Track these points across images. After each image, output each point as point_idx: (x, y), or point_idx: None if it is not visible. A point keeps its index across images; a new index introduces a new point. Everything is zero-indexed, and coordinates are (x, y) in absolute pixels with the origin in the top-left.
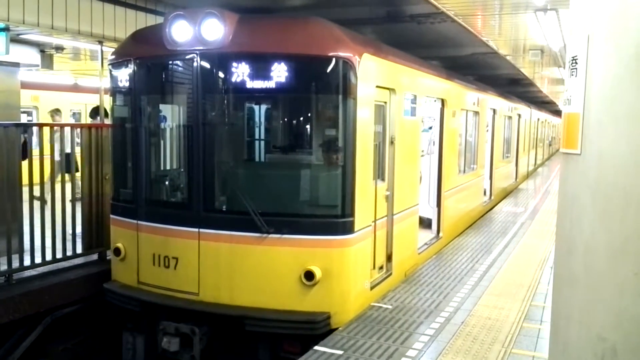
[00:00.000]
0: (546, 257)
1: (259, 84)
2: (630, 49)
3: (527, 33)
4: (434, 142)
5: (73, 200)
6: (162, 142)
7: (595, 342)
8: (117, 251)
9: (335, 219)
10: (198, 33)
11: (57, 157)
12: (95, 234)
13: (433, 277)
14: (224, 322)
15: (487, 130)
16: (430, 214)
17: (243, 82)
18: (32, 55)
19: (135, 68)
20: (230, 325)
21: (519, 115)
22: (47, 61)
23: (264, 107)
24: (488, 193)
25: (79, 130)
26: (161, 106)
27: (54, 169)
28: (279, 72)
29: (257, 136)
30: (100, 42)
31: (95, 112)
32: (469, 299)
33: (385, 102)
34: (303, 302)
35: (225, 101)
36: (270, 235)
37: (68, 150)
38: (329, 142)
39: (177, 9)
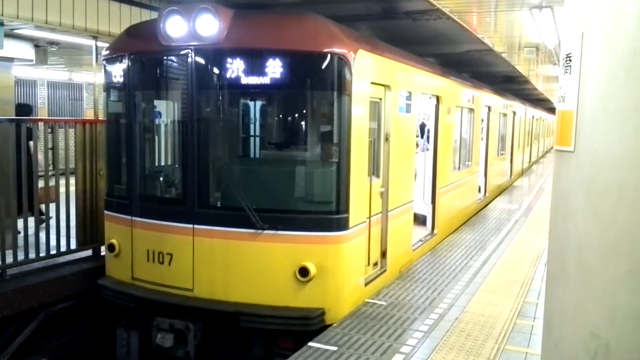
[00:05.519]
0: (540, 254)
1: (253, 80)
2: (624, 46)
3: (523, 30)
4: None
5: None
6: (156, 138)
7: (588, 338)
8: (111, 247)
9: (329, 215)
10: (192, 28)
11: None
12: (90, 230)
13: (427, 273)
14: (218, 318)
15: (482, 128)
16: (425, 210)
17: (238, 78)
18: (26, 50)
19: (130, 63)
20: (225, 321)
21: (514, 113)
22: (42, 56)
23: (258, 103)
24: (482, 190)
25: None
26: (155, 102)
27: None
28: (274, 68)
29: (251, 132)
30: (95, 38)
31: (21, 109)
32: (463, 295)
33: (380, 99)
34: (297, 298)
35: (220, 97)
36: (265, 232)
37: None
38: (324, 138)
39: (171, 4)
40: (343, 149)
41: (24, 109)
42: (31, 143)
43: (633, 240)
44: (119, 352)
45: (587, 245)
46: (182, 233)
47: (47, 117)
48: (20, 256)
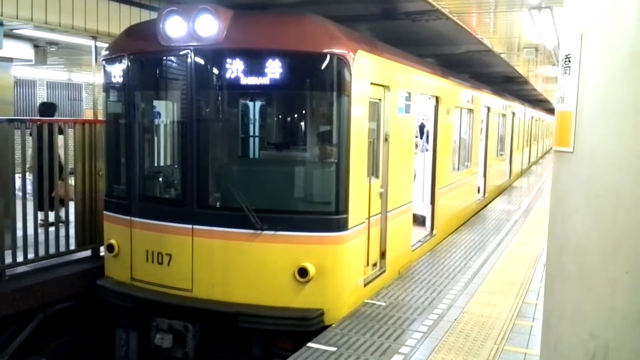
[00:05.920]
0: (539, 254)
1: (253, 81)
2: (623, 47)
3: (522, 31)
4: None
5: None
6: (155, 138)
7: (587, 339)
8: (110, 247)
9: (329, 215)
10: (192, 29)
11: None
12: (89, 231)
13: (426, 274)
14: (217, 318)
15: (482, 128)
16: (424, 211)
17: (237, 79)
18: (25, 50)
19: (129, 64)
20: (224, 321)
21: (513, 113)
22: (41, 56)
23: (258, 103)
24: (482, 191)
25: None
26: (155, 102)
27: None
28: (273, 69)
29: (251, 133)
30: (94, 38)
31: (47, 107)
32: (462, 296)
33: (380, 99)
34: (296, 298)
35: (219, 97)
36: (264, 232)
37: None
38: (323, 139)
39: (171, 5)
40: (342, 150)
41: (50, 108)
42: (61, 137)
43: (632, 241)
44: (118, 352)
45: (586, 246)
46: (181, 233)
47: (45, 117)
48: (19, 256)
